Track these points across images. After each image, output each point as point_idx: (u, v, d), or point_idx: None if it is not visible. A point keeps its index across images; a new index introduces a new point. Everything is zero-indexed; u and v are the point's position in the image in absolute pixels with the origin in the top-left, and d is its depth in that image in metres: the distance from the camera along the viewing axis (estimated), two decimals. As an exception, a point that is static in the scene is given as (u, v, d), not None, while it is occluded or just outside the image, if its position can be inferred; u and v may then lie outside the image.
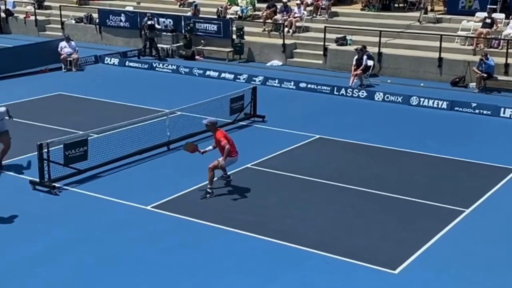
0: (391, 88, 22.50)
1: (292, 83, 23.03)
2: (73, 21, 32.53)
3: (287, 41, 26.75)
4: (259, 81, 23.38)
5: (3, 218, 12.33)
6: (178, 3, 32.22)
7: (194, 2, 30.43)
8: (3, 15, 34.71)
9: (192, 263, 10.81)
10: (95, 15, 31.80)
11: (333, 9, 28.51)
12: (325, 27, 26.13)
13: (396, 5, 29.12)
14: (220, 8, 30.02)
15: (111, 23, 30.99)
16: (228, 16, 29.34)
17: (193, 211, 12.73)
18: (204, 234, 11.87)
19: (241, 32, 27.26)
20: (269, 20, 28.29)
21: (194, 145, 13.77)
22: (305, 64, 26.16)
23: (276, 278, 10.35)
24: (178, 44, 28.70)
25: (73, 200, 13.36)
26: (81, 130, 16.03)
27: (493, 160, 15.58)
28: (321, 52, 25.92)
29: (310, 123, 18.76)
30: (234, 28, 27.58)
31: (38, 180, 13.75)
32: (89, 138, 14.84)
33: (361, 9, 28.63)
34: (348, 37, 25.87)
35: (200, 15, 29.63)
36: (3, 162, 14.91)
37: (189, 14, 29.78)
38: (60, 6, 33.18)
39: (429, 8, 27.52)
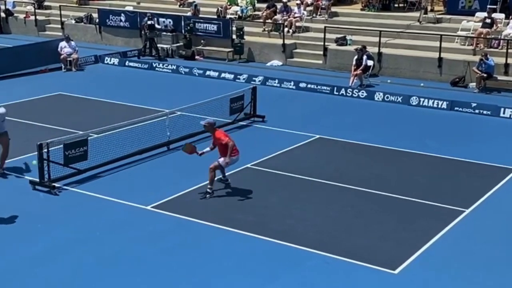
0: (391, 88, 22.50)
1: (292, 83, 23.03)
2: (73, 21, 32.53)
3: (287, 41, 26.76)
4: (259, 81, 23.38)
5: (3, 218, 12.33)
6: (178, 3, 32.23)
7: (194, 2, 30.43)
8: (3, 15, 34.70)
9: (192, 263, 10.81)
10: (95, 15, 31.80)
11: (333, 9, 28.51)
12: (325, 27, 26.13)
13: (396, 5, 29.13)
14: (220, 8, 30.02)
15: (111, 23, 31.00)
16: (228, 16, 29.35)
17: (193, 211, 12.73)
18: (204, 234, 11.87)
19: (241, 32, 27.26)
20: (269, 20, 28.30)
21: (192, 146, 13.77)
22: (305, 64, 26.16)
23: (276, 278, 10.36)
24: (178, 44, 28.70)
25: (73, 200, 13.36)
26: (81, 130, 16.03)
27: (493, 160, 15.58)
28: (321, 52, 25.92)
29: (310, 123, 18.76)
30: (234, 28, 27.58)
31: (38, 180, 13.75)
32: (89, 138, 14.84)
33: (361, 9, 28.63)
34: (348, 37, 25.88)
35: (200, 15, 29.63)
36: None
37: (189, 14, 29.78)
38: (60, 6, 33.17)
39: (429, 8, 27.52)
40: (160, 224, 12.29)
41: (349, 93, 22.00)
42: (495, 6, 25.36)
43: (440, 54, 23.63)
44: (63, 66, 25.91)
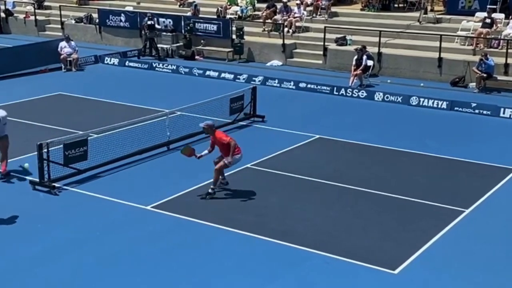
0: (391, 88, 22.50)
1: (292, 83, 23.03)
2: (73, 21, 32.54)
3: (287, 41, 26.76)
4: (259, 81, 23.38)
5: (3, 218, 12.33)
6: (178, 3, 32.23)
7: (194, 2, 30.43)
8: (3, 15, 34.70)
9: (192, 263, 10.81)
10: (95, 15, 31.80)
11: (333, 9, 28.52)
12: (325, 27, 26.14)
13: (396, 5, 29.14)
14: (220, 8, 30.03)
15: (111, 23, 31.00)
16: (228, 16, 29.35)
17: (193, 211, 12.73)
18: (204, 234, 11.87)
19: (241, 32, 27.26)
20: (269, 20, 28.30)
21: (191, 149, 13.73)
22: (305, 64, 26.16)
23: (276, 278, 10.36)
24: (178, 44, 28.70)
25: (73, 200, 13.36)
26: (81, 130, 16.03)
27: (493, 160, 15.59)
28: (321, 52, 25.93)
29: (310, 123, 18.76)
30: (234, 28, 27.58)
31: (38, 180, 13.75)
32: (89, 138, 14.84)
33: (361, 9, 28.63)
34: (348, 37, 25.88)
35: (200, 15, 29.64)
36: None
37: (189, 14, 29.79)
38: (60, 6, 33.17)
39: (429, 8, 27.51)
40: (160, 224, 12.29)
41: (349, 93, 22.00)
42: (495, 6, 25.36)
43: (440, 54, 23.63)
44: (63, 66, 25.91)
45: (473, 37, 24.23)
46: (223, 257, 11.00)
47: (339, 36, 25.94)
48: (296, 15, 27.78)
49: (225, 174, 13.88)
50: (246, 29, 27.68)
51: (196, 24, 28.42)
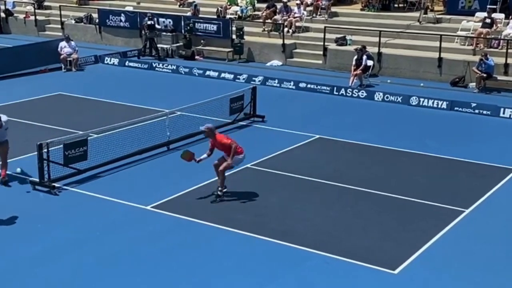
0: (391, 88, 22.50)
1: (292, 83, 23.03)
2: (73, 21, 32.54)
3: (287, 41, 26.76)
4: (259, 81, 23.38)
5: (3, 218, 12.33)
6: (178, 3, 32.23)
7: (194, 2, 30.44)
8: (3, 15, 34.71)
9: (192, 263, 10.81)
10: (95, 15, 31.80)
11: (333, 9, 28.52)
12: (325, 27, 26.14)
13: (396, 5, 29.15)
14: (220, 8, 30.03)
15: (111, 23, 31.00)
16: (228, 16, 29.35)
17: (193, 211, 12.73)
18: (204, 234, 11.87)
19: (241, 32, 27.26)
20: (269, 20, 28.30)
21: (191, 153, 13.67)
22: (304, 64, 26.16)
23: (276, 278, 10.36)
24: (178, 44, 28.71)
25: (73, 200, 13.36)
26: (81, 130, 16.03)
27: (493, 160, 15.59)
28: (321, 52, 25.93)
29: (310, 123, 18.76)
30: (234, 28, 27.59)
31: (38, 180, 13.75)
32: (89, 138, 14.84)
33: (361, 9, 28.63)
34: (348, 37, 25.88)
35: (200, 15, 29.64)
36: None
37: (189, 14, 29.79)
38: (60, 6, 33.17)
39: (429, 8, 27.51)
40: (160, 224, 12.29)
41: (349, 93, 22.00)
42: (495, 6, 25.37)
43: (440, 54, 23.63)
44: (63, 66, 25.91)
45: (473, 37, 24.24)
46: (223, 257, 11.00)
47: (339, 36, 25.95)
48: (296, 15, 27.78)
49: (225, 174, 13.86)
50: (246, 29, 27.68)
51: (196, 24, 28.42)
